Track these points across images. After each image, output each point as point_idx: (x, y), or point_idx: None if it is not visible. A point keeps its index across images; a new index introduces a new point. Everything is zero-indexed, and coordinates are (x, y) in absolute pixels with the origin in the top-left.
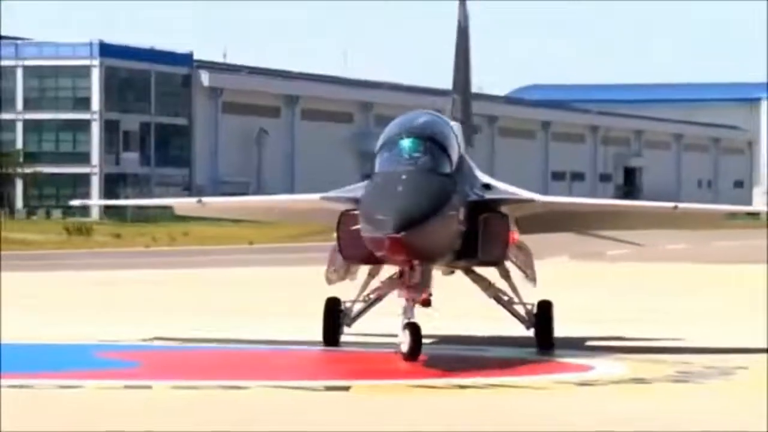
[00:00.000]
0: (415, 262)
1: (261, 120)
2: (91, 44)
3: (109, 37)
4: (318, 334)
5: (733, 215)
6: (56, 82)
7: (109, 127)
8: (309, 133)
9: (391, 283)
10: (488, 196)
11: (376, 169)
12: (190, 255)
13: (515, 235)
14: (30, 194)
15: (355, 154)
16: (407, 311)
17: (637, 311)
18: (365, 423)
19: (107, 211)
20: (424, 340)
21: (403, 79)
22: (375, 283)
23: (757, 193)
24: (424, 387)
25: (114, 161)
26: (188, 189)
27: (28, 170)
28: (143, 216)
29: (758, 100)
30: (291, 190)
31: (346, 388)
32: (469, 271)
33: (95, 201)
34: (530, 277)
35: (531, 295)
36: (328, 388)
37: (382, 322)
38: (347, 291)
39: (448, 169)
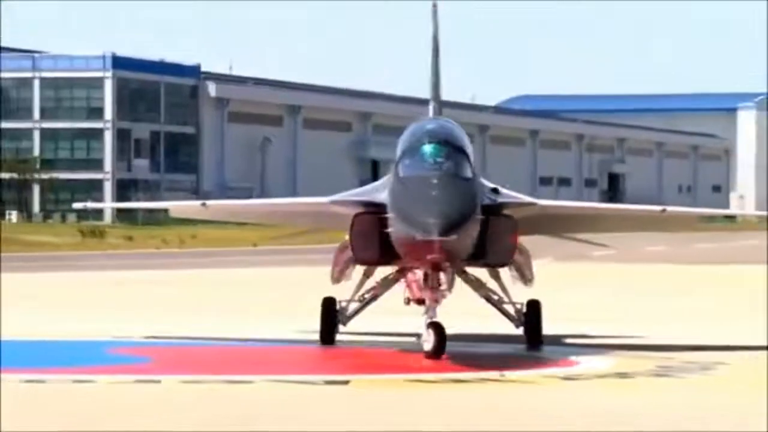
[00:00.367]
0: (446, 263)
1: (265, 129)
2: (104, 57)
3: (119, 47)
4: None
5: (711, 218)
6: (71, 93)
7: (121, 136)
8: (310, 141)
9: (385, 283)
10: (499, 200)
11: (401, 174)
12: (198, 256)
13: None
14: (46, 199)
15: (353, 161)
16: (430, 311)
17: (623, 311)
18: (364, 415)
19: (119, 214)
20: (415, 338)
21: (399, 90)
22: (370, 283)
23: (734, 198)
24: (419, 381)
25: (126, 168)
26: (196, 194)
27: (44, 176)
28: (154, 219)
29: (735, 110)
30: (293, 195)
31: (345, 382)
32: (461, 272)
33: (94, 204)
34: (528, 277)
35: (520, 295)
36: (328, 383)
37: (378, 321)
38: (347, 291)
39: (470, 174)
